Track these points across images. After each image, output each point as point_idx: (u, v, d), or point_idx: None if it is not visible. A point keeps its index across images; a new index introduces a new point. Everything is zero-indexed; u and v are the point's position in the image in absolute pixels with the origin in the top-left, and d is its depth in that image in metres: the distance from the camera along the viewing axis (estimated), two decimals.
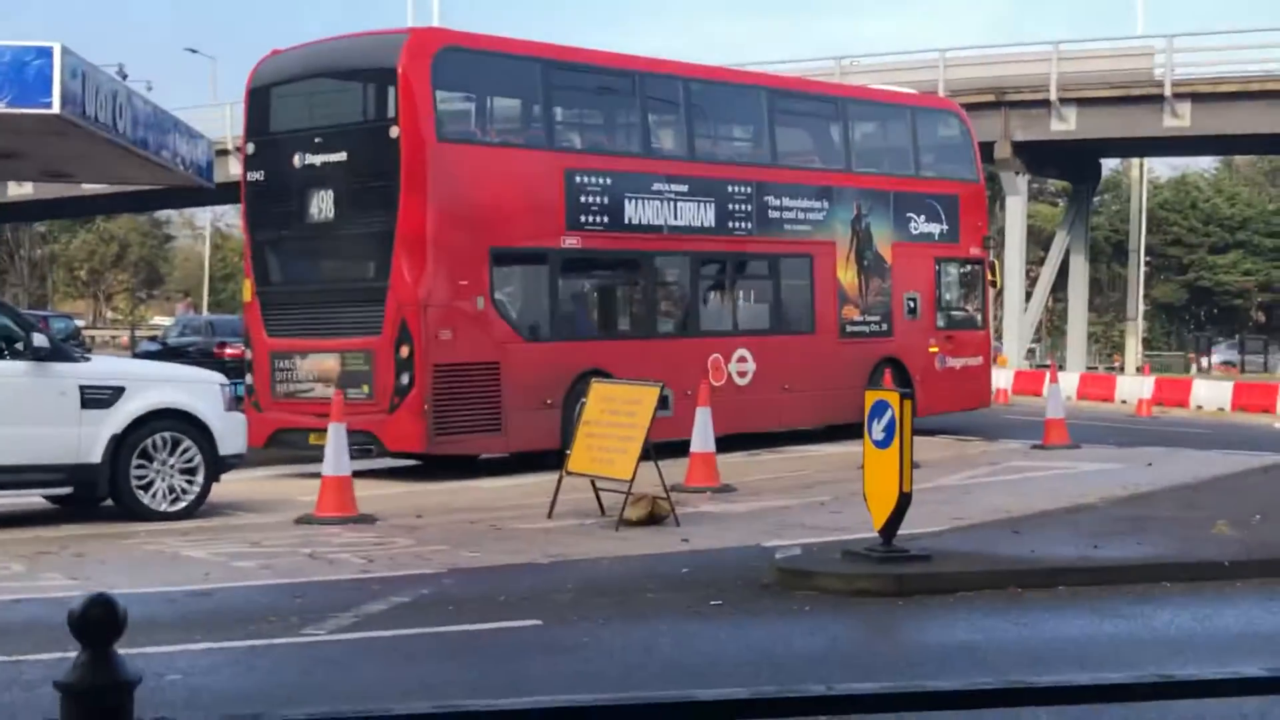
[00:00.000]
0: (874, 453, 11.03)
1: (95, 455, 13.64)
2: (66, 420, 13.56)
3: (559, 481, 14.41)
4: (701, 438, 16.53)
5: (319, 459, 14.63)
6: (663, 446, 15.36)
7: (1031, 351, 54.94)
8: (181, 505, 14.17)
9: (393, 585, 10.61)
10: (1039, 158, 47.47)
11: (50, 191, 55.16)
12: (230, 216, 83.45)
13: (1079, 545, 11.92)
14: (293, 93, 19.46)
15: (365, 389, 17.76)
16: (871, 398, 11.21)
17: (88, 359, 14.82)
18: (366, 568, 11.44)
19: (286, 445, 18.72)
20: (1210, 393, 36.63)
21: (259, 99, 19.46)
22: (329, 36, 19.80)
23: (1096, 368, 56.78)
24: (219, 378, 15.32)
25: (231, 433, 14.60)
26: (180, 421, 14.13)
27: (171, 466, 14.13)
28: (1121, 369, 52.80)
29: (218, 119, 50.04)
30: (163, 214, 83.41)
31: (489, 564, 11.69)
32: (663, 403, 16.68)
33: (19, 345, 13.56)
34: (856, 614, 9.99)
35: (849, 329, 22.83)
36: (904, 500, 10.88)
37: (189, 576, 10.94)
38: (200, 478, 14.30)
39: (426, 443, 17.68)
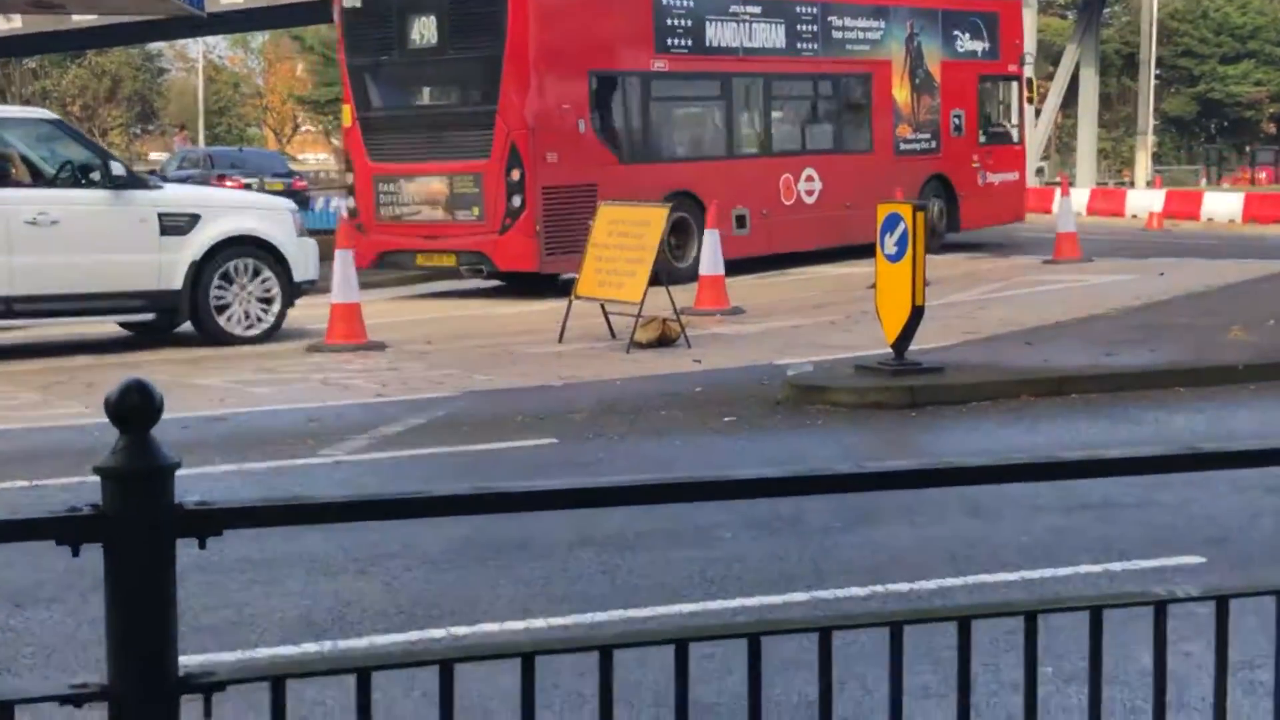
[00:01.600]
0: (886, 267, 10.99)
1: (176, 282, 13.88)
2: (147, 247, 13.78)
3: (568, 306, 14.40)
4: (710, 261, 16.47)
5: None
6: (736, 265, 16.47)
7: (1040, 169, 54.51)
8: (259, 330, 14.48)
9: (407, 408, 10.67)
10: None
11: (39, 25, 54.35)
12: (223, 48, 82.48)
13: (1091, 354, 11.94)
14: None
15: (475, 211, 18.28)
16: (884, 211, 11.13)
17: (161, 187, 15.03)
18: (380, 392, 11.48)
19: (393, 266, 19.34)
20: (1221, 205, 36.39)
21: None
22: None
23: (1106, 183, 56.37)
24: (290, 204, 15.52)
25: (304, 259, 14.77)
26: (255, 248, 14.36)
27: (249, 292, 14.38)
28: (1131, 184, 52.43)
29: None
30: (154, 47, 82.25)
31: (502, 386, 11.74)
32: (739, 222, 17.90)
33: (96, 175, 13.72)
34: (870, 426, 10.04)
35: (903, 146, 23.41)
36: (916, 314, 10.87)
37: (204, 402, 11.00)
38: (277, 303, 14.58)
39: (538, 262, 18.17)
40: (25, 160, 13.95)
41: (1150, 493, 7.54)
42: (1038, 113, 49.63)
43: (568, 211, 18.18)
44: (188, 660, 5.55)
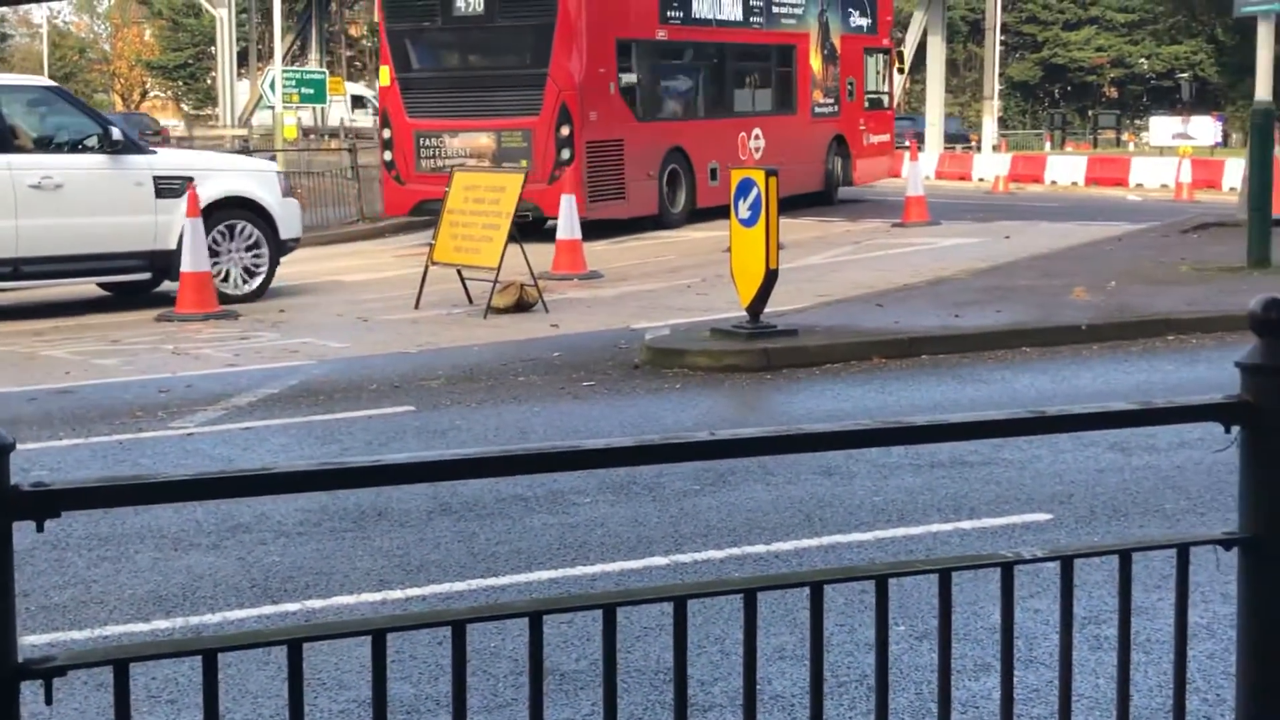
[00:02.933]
0: (741, 231, 11.06)
1: (171, 242, 14.16)
2: (144, 209, 14.26)
3: (424, 272, 14.29)
4: (567, 225, 16.46)
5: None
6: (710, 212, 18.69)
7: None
8: (252, 287, 14.94)
9: (260, 378, 10.51)
10: None
11: None
12: (68, 13, 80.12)
13: (940, 315, 12.15)
14: None
15: (524, 163, 19.09)
16: (737, 176, 11.19)
17: (154, 151, 15.42)
18: (232, 361, 11.30)
19: (429, 214, 19.90)
20: (1064, 168, 37.19)
21: None
22: None
23: (954, 148, 57.26)
24: (275, 165, 16.14)
25: (290, 218, 15.33)
26: (244, 209, 14.86)
27: (240, 251, 14.86)
28: (978, 148, 53.31)
29: None
30: None
31: (357, 354, 11.62)
32: (712, 174, 20.41)
33: (94, 140, 14.22)
34: (726, 388, 10.12)
35: (816, 110, 26.07)
36: (770, 277, 10.96)
37: (48, 375, 10.73)
38: (265, 262, 15.01)
39: (585, 209, 19.04)
40: (26, 127, 14.36)
41: (998, 451, 7.71)
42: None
43: (603, 164, 20.71)
44: (35, 640, 5.46)
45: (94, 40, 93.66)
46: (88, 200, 13.93)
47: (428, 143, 20.82)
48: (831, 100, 26.44)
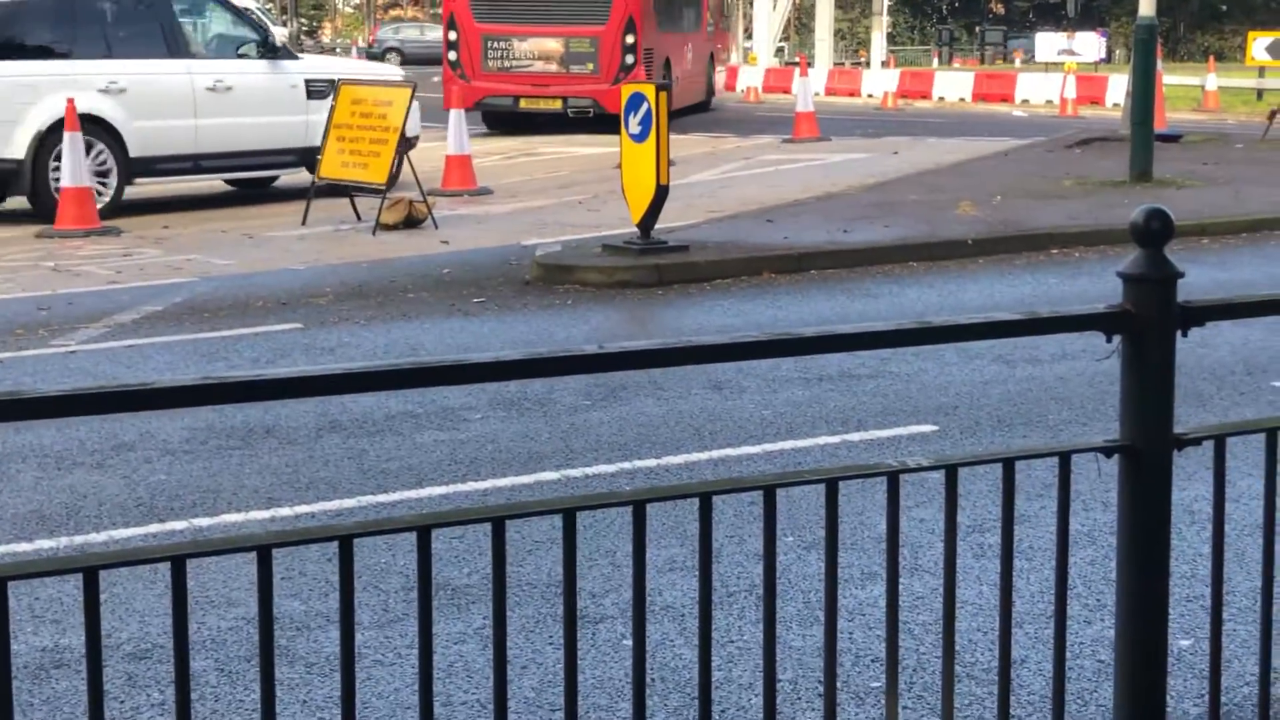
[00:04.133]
0: (631, 147, 11.00)
1: (318, 139, 14.69)
2: (297, 109, 15.66)
3: (311, 188, 14.08)
4: (456, 140, 16.28)
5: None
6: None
7: (780, 50, 55.13)
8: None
9: (143, 295, 10.33)
10: None
11: None
12: None
13: (829, 231, 12.22)
14: None
15: (590, 66, 23.10)
16: (627, 91, 11.12)
17: (301, 57, 17.15)
18: (114, 279, 11.08)
19: (491, 109, 23.62)
20: (952, 85, 37.41)
21: None
22: None
23: (844, 63, 57.38)
24: (401, 72, 18.00)
25: (414, 118, 15.68)
26: None
27: None
28: (868, 64, 53.45)
29: None
30: None
31: (243, 271, 11.44)
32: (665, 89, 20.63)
33: (250, 47, 15.71)
34: (618, 304, 10.12)
35: (707, 31, 30.16)
36: (661, 193, 10.93)
37: None
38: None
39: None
40: (198, 33, 15.95)
41: (884, 365, 7.79)
42: None
43: (652, 69, 23.78)
44: None
45: None
46: (253, 101, 15.33)
47: (495, 45, 23.38)
48: (711, 23, 30.66)
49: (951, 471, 2.70)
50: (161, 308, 9.85)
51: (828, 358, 7.55)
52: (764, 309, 9.78)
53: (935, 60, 63.09)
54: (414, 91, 13.88)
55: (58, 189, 13.70)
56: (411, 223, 13.45)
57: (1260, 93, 32.75)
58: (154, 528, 5.57)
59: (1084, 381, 7.44)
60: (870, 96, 37.21)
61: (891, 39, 65.70)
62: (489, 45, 23.38)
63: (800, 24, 71.94)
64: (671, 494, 2.78)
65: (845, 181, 16.03)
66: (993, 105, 34.24)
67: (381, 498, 5.89)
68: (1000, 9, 79.96)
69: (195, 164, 15.21)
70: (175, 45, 15.09)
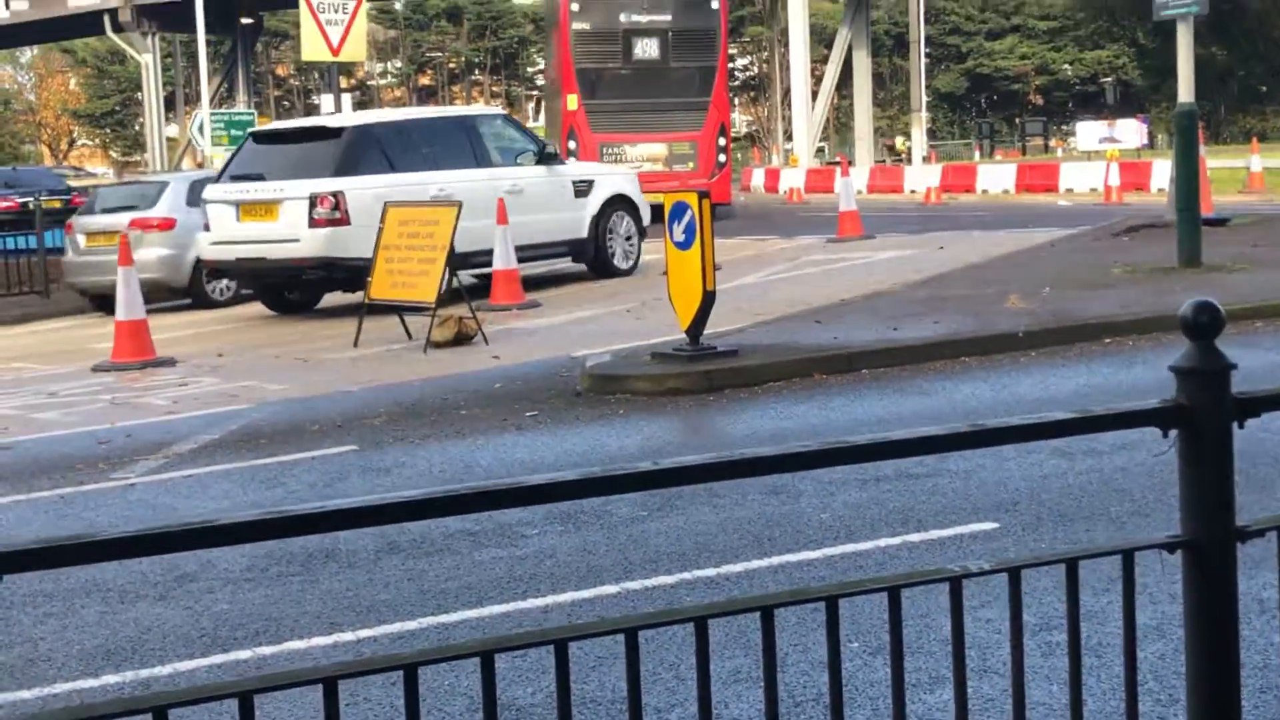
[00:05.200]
0: (676, 254, 11.09)
1: (583, 232, 18.41)
2: (568, 207, 18.35)
3: (362, 310, 14.23)
4: (503, 255, 16.45)
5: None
6: None
7: (821, 150, 55.53)
8: (630, 264, 19.20)
9: (200, 424, 10.43)
10: None
11: None
12: None
13: (878, 329, 12.22)
14: None
15: (690, 165, 29.26)
16: (670, 200, 11.22)
17: (566, 162, 19.85)
18: (171, 409, 11.20)
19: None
20: (995, 177, 37.52)
21: None
22: None
23: (884, 161, 57.68)
24: (633, 172, 20.98)
25: (646, 211, 19.12)
26: (623, 205, 19.09)
27: (620, 237, 19.07)
28: (909, 160, 53.72)
29: None
30: None
31: (298, 395, 11.55)
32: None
33: (533, 155, 18.36)
34: (669, 412, 10.13)
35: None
36: (708, 298, 10.99)
37: None
38: (637, 244, 19.29)
39: (732, 198, 31.24)
40: (494, 146, 18.27)
41: (942, 462, 7.75)
42: (814, 94, 50.64)
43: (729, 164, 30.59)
44: None
45: (18, 91, 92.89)
46: (538, 201, 17.71)
47: (610, 150, 28.73)
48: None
49: (1014, 573, 2.69)
50: (219, 436, 9.94)
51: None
52: (816, 411, 9.77)
53: (976, 153, 63.34)
54: (459, 210, 14.04)
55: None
56: (462, 339, 13.56)
57: None
58: (218, 658, 5.58)
59: (1144, 473, 7.38)
60: (913, 193, 37.37)
61: (931, 134, 66.01)
62: (604, 150, 28.52)
63: (840, 123, 72.46)
64: (733, 609, 2.77)
65: (892, 279, 16.05)
66: (1037, 196, 34.30)
67: (443, 618, 5.89)
68: (1039, 100, 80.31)
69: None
70: (481, 157, 17.74)
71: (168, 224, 19.39)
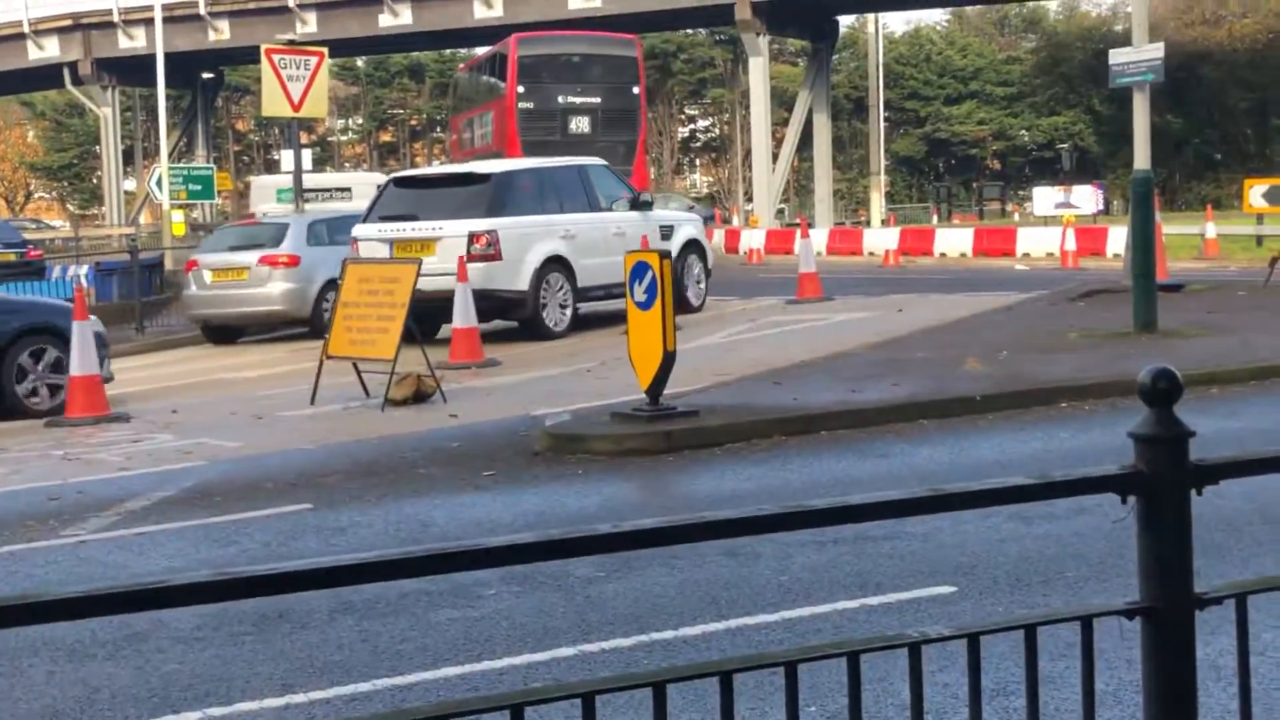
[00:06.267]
0: (637, 314, 11.09)
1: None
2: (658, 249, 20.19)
3: (319, 366, 14.16)
4: (463, 314, 16.43)
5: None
6: None
7: (781, 211, 55.85)
8: (700, 302, 21.16)
9: (154, 480, 10.33)
10: (779, 17, 47.98)
11: None
12: None
13: (838, 391, 12.24)
14: (553, 61, 36.07)
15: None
16: (631, 260, 11.24)
17: (651, 207, 21.38)
18: (125, 465, 11.10)
19: None
20: (953, 240, 37.79)
21: (527, 63, 35.32)
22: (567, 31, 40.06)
23: (844, 223, 58.03)
24: (699, 216, 24.91)
25: (710, 255, 22.10)
26: (695, 250, 21.23)
27: (694, 278, 21.19)
28: (867, 223, 54.08)
29: None
30: None
31: (252, 453, 11.45)
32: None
33: (627, 200, 20.41)
34: (628, 473, 10.10)
35: None
36: (668, 359, 10.99)
37: None
38: (704, 285, 21.52)
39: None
40: (601, 193, 20.24)
41: (900, 525, 7.74)
42: (775, 156, 50.99)
43: None
44: None
45: None
46: (634, 242, 18.52)
47: None
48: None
49: (973, 639, 2.67)
50: (172, 493, 9.84)
51: None
52: (775, 472, 9.76)
53: (934, 217, 63.83)
54: (419, 269, 14.02)
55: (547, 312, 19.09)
56: (420, 397, 13.51)
57: (1260, 239, 33.06)
58: (168, 718, 5.50)
59: (1101, 536, 7.39)
60: (872, 255, 37.59)
61: (890, 198, 66.56)
62: None
63: (800, 185, 72.96)
64: (691, 673, 2.74)
65: (851, 341, 16.10)
66: (994, 260, 34.55)
67: (397, 679, 5.82)
68: (997, 165, 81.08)
69: (607, 291, 19.07)
70: (593, 202, 19.90)
71: (294, 260, 21.38)
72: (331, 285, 18.58)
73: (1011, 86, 77.64)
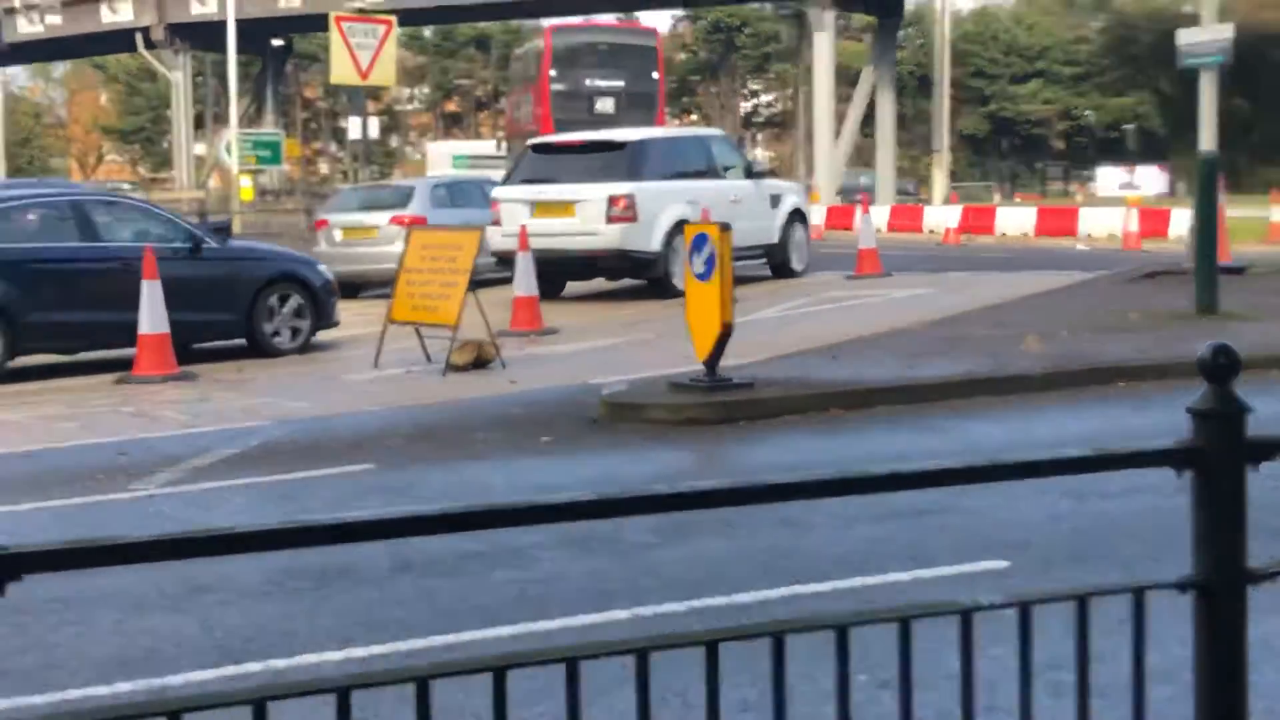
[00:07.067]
0: (696, 285, 11.13)
1: (775, 238, 21.52)
2: (766, 216, 21.33)
3: (383, 331, 14.29)
4: (524, 282, 16.52)
5: None
6: None
7: (842, 188, 55.63)
8: (803, 267, 22.27)
9: (219, 438, 10.49)
10: None
11: None
12: (22, 79, 79.62)
13: (895, 367, 12.24)
14: (582, 49, 41.56)
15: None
16: (691, 231, 11.28)
17: (763, 176, 22.56)
18: (191, 423, 11.27)
19: None
20: (1014, 219, 37.56)
21: (560, 51, 40.82)
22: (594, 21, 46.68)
23: (908, 191, 57.72)
24: (800, 185, 26.32)
25: (810, 218, 23.43)
26: (798, 217, 22.30)
27: (797, 244, 22.18)
28: (929, 200, 53.77)
29: None
30: None
31: (317, 414, 11.60)
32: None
33: (741, 168, 21.62)
34: (685, 442, 10.16)
35: None
36: (726, 331, 11.02)
37: (7, 441, 10.67)
38: (806, 251, 22.52)
39: None
40: (721, 162, 21.32)
41: (955, 500, 7.76)
42: (837, 132, 50.76)
43: None
44: None
45: (49, 106, 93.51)
46: (750, 210, 20.33)
47: None
48: None
49: (1025, 609, 2.71)
50: (238, 451, 9.99)
51: (897, 494, 7.52)
52: (831, 445, 9.79)
53: (997, 196, 63.38)
54: (482, 234, 14.11)
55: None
56: (481, 364, 13.62)
57: None
58: (230, 670, 5.62)
59: (1154, 515, 7.38)
60: (932, 232, 37.41)
61: (953, 176, 66.05)
62: None
63: (862, 162, 72.58)
64: (744, 634, 2.80)
65: (909, 317, 16.06)
66: (1055, 239, 34.32)
67: (453, 638, 5.91)
68: (1061, 144, 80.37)
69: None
70: (713, 170, 20.96)
71: (420, 221, 21.69)
72: None
73: (1079, 66, 76.93)
